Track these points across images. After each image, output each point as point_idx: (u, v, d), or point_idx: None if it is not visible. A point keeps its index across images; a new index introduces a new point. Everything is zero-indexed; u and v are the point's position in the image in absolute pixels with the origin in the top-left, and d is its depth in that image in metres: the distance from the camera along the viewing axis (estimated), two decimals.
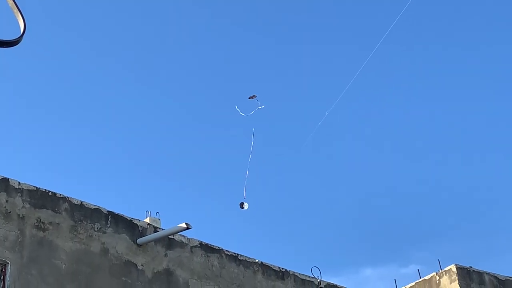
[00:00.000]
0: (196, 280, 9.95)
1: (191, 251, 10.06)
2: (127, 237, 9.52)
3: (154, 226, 9.88)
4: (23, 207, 8.78)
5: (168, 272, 9.72)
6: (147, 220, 10.29)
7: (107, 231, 9.37)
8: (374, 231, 25.10)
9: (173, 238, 9.94)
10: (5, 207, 8.60)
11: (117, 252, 9.35)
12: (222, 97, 25.96)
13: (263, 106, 10.43)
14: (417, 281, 11.59)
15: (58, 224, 8.99)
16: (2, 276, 8.32)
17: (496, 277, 11.44)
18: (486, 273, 11.35)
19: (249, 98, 10.67)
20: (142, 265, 9.51)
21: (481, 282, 11.22)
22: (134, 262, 9.46)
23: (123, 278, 9.26)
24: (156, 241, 9.73)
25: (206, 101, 26.02)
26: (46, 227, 8.86)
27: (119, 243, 9.41)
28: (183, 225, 9.33)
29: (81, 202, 9.31)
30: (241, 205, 10.25)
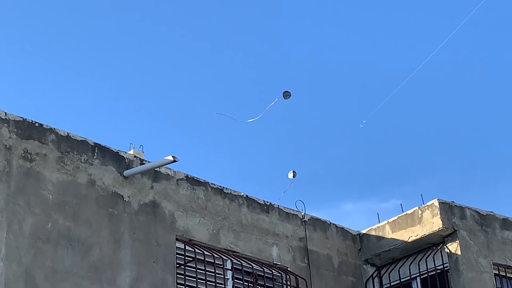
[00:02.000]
0: (181, 212, 10.04)
1: (177, 184, 10.14)
2: (114, 169, 9.57)
3: (140, 158, 9.92)
4: (9, 137, 8.78)
5: (154, 204, 9.81)
6: (131, 152, 10.32)
7: (93, 162, 9.40)
8: (356, 166, 25.24)
9: (159, 171, 10.00)
10: None
11: (103, 183, 9.41)
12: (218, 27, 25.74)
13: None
14: (400, 215, 11.75)
15: (45, 155, 9.01)
16: None
17: (477, 212, 11.62)
18: (468, 208, 11.52)
19: (284, 96, 10.71)
20: (128, 196, 9.58)
21: (463, 216, 11.39)
22: (121, 193, 9.52)
23: (109, 209, 9.34)
24: (143, 173, 9.79)
25: (199, 29, 25.80)
26: (33, 157, 8.88)
27: (106, 175, 9.46)
28: (170, 158, 9.38)
29: (68, 134, 9.32)
30: (285, 95, 10.28)
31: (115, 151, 9.68)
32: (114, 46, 24.85)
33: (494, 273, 11.41)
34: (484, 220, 11.65)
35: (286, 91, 10.73)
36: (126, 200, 9.54)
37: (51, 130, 9.18)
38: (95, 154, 9.45)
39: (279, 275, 10.83)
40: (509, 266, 11.60)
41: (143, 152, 10.83)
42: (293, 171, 11.29)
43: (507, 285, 11.64)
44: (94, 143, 9.50)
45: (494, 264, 11.42)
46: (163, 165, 9.67)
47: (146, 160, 9.95)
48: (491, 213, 11.80)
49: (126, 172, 9.62)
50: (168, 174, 10.09)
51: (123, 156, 9.73)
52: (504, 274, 11.58)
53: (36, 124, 9.07)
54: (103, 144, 9.59)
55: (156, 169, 9.87)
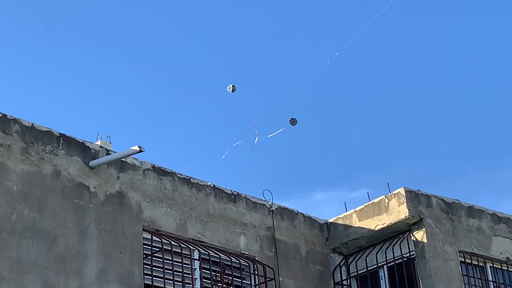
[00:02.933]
0: (148, 202, 10.00)
1: (144, 174, 10.09)
2: (79, 160, 9.49)
3: (106, 149, 9.86)
4: None
5: (120, 195, 9.76)
6: (98, 143, 10.24)
7: (59, 153, 9.32)
8: (327, 154, 25.32)
9: (126, 161, 9.94)
10: None
11: (69, 174, 9.33)
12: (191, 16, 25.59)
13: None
14: (366, 204, 11.81)
15: (9, 145, 8.91)
16: None
17: (443, 200, 11.71)
18: (434, 196, 11.60)
19: (290, 123, 10.77)
20: (94, 187, 9.51)
21: (429, 205, 11.47)
22: (87, 184, 9.46)
23: (75, 200, 9.28)
24: (109, 163, 9.73)
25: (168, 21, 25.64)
26: None
27: (71, 166, 9.39)
28: (136, 148, 9.32)
29: (32, 124, 9.23)
30: (292, 122, 10.37)
31: (80, 141, 9.61)
32: (79, 37, 24.65)
33: (460, 261, 11.52)
34: (450, 208, 11.74)
35: (292, 119, 10.91)
36: (92, 190, 9.48)
37: (15, 121, 9.08)
38: (60, 145, 9.36)
39: (247, 264, 10.84)
40: (474, 253, 11.71)
41: (110, 143, 10.77)
42: (233, 85, 10.91)
43: (473, 272, 11.76)
44: (59, 133, 9.42)
45: (460, 251, 11.52)
46: (129, 155, 9.62)
47: (112, 151, 9.90)
48: (457, 201, 11.89)
49: (92, 163, 9.55)
50: (135, 165, 10.04)
51: (88, 147, 9.66)
52: (470, 262, 11.69)
53: (0, 115, 8.96)
54: (68, 134, 9.51)
55: (122, 159, 9.81)
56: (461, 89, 25.68)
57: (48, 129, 9.33)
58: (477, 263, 11.81)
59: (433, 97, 25.58)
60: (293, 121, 10.97)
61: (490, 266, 11.98)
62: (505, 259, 12.03)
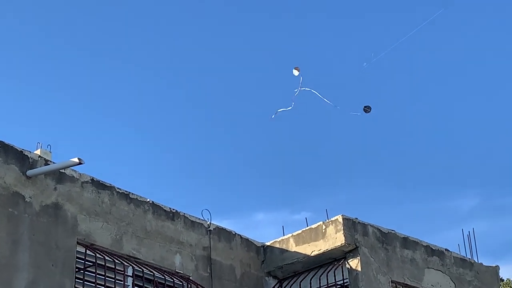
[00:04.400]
0: (84, 215, 9.88)
1: (82, 186, 9.98)
2: (17, 168, 9.34)
3: (45, 159, 9.72)
4: None
5: (56, 206, 9.62)
6: (38, 152, 10.10)
7: None
8: (270, 175, 25.43)
9: (64, 172, 9.81)
10: None
11: (5, 182, 9.17)
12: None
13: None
14: (304, 229, 11.86)
15: None
16: None
17: (379, 230, 11.82)
18: (370, 225, 11.71)
19: (364, 110, 10.71)
20: (30, 197, 9.36)
21: (365, 233, 11.58)
22: (22, 194, 9.30)
23: (9, 209, 9.11)
24: (47, 174, 9.59)
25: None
26: None
27: (8, 174, 9.22)
28: (76, 159, 9.22)
29: None
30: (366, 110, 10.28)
31: (19, 150, 9.46)
32: (20, 43, 24.34)
33: None
34: (386, 238, 11.86)
35: (367, 106, 10.84)
36: (28, 200, 9.33)
37: None
38: None
39: (181, 283, 10.77)
40: (406, 284, 11.84)
41: (50, 152, 10.61)
42: (297, 68, 11.01)
43: None
44: None
45: (392, 281, 11.63)
46: (68, 167, 9.50)
47: (51, 161, 9.76)
48: (393, 232, 12.02)
49: (29, 172, 9.40)
50: (73, 176, 9.92)
51: (27, 156, 9.51)
52: None
53: None
54: (6, 142, 9.35)
55: (61, 170, 9.68)
56: (397, 117, 26.03)
57: None
58: None
59: (374, 125, 25.89)
60: (367, 108, 10.87)
61: None
62: None
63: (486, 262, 13.05)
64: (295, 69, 10.83)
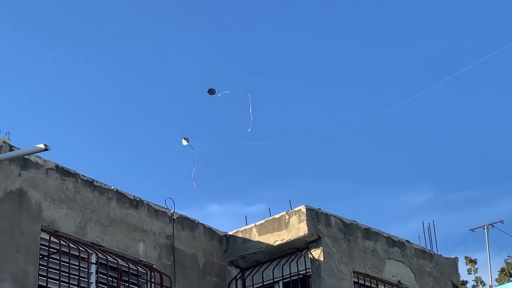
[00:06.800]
0: (49, 202, 9.81)
1: (46, 173, 9.89)
2: None
3: (9, 144, 9.61)
4: None
5: (21, 193, 9.53)
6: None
7: None
8: (222, 168, 25.44)
9: (29, 159, 9.72)
10: None
11: None
12: None
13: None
14: (267, 219, 11.90)
15: None
16: None
17: (342, 220, 11.92)
18: (333, 216, 11.80)
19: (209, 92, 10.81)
20: None
21: (328, 224, 11.66)
22: None
23: None
24: (11, 160, 9.49)
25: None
26: None
27: None
28: (41, 146, 9.11)
29: None
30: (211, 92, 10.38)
31: None
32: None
33: (354, 281, 11.74)
34: (348, 228, 11.96)
35: (211, 89, 10.95)
36: None
37: None
38: None
39: (144, 271, 10.75)
40: (368, 274, 11.96)
41: (9, 139, 10.47)
42: (186, 138, 11.36)
43: None
44: None
45: (354, 272, 11.75)
46: (33, 153, 9.39)
47: (15, 147, 9.65)
48: (355, 222, 12.13)
49: None
50: (38, 163, 9.83)
51: None
52: (363, 283, 11.94)
53: None
54: None
55: (25, 156, 9.58)
56: (356, 109, 26.23)
57: None
58: (369, 284, 12.06)
59: (333, 116, 26.04)
60: (211, 91, 11.04)
61: None
62: (396, 282, 12.34)
63: (442, 254, 13.23)
64: (184, 139, 11.26)
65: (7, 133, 10.46)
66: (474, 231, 22.34)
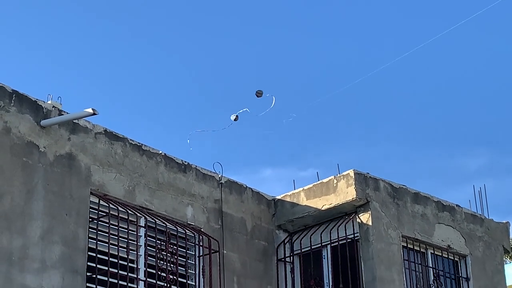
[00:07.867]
0: (98, 166, 9.91)
1: (95, 137, 9.99)
2: (31, 118, 9.35)
3: (59, 109, 9.72)
4: None
5: (70, 156, 9.64)
6: (50, 103, 10.08)
7: (10, 110, 9.16)
8: (276, 132, 25.43)
9: (78, 123, 9.82)
10: None
11: (19, 132, 9.19)
12: None
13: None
14: (315, 183, 11.87)
15: None
16: None
17: (390, 185, 11.83)
18: (382, 180, 11.72)
19: (256, 95, 10.91)
20: (44, 147, 9.39)
21: (376, 188, 11.59)
22: (37, 143, 9.32)
23: (24, 159, 9.14)
24: (60, 124, 9.60)
25: None
26: None
27: (22, 123, 9.24)
28: (90, 110, 9.20)
29: None
30: (258, 94, 10.51)
31: (33, 99, 9.45)
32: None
33: (402, 245, 11.68)
34: (397, 193, 11.88)
35: (258, 91, 11.07)
36: (42, 150, 9.35)
37: None
38: (13, 101, 9.20)
39: (192, 235, 10.84)
40: (417, 239, 11.88)
41: (61, 104, 10.59)
42: (236, 115, 11.51)
43: (414, 258, 11.93)
44: (12, 89, 9.25)
45: (403, 236, 11.67)
46: (82, 117, 9.50)
47: (64, 111, 9.75)
48: (404, 187, 12.03)
49: (43, 122, 9.41)
50: (87, 127, 9.93)
51: (41, 106, 9.51)
52: (412, 247, 11.86)
53: None
54: (21, 91, 9.34)
55: (74, 121, 9.69)
56: (407, 76, 25.92)
57: (1, 85, 9.16)
58: (418, 249, 11.98)
59: (385, 81, 25.80)
60: (259, 93, 11.13)
61: (431, 253, 12.17)
62: (446, 247, 12.24)
63: (495, 219, 13.08)
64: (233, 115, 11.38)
65: (59, 97, 10.59)
66: None
